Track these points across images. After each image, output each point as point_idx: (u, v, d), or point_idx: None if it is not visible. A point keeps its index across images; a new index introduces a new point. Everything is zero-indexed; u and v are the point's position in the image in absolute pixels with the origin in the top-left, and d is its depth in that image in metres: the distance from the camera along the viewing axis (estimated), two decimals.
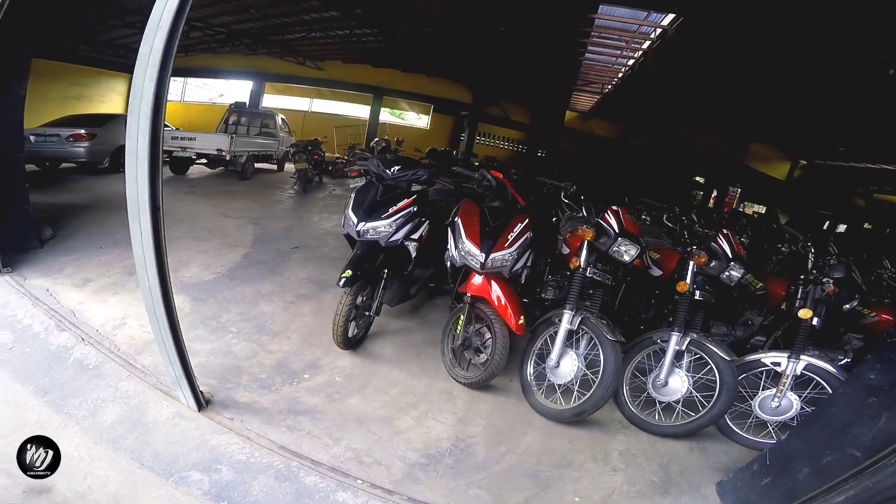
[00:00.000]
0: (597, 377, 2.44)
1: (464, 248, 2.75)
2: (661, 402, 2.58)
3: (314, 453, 2.16)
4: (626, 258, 2.65)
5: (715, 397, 2.39)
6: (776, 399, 2.45)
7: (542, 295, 3.46)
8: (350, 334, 2.88)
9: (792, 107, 9.56)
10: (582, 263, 2.66)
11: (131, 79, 1.80)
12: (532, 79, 13.08)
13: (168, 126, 10.04)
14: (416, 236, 3.03)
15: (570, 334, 2.62)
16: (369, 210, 2.87)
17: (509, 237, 2.75)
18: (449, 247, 2.91)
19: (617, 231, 2.66)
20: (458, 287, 2.99)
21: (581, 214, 3.32)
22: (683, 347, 2.50)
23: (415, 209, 2.97)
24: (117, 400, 2.33)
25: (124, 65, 12.69)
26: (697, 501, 2.18)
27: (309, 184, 9.11)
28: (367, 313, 3.03)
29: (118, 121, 8.19)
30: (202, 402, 2.31)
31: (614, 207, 2.80)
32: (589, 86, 13.49)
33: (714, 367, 2.41)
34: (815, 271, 2.61)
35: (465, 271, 2.90)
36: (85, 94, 12.59)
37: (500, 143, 17.92)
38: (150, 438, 2.12)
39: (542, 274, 3.70)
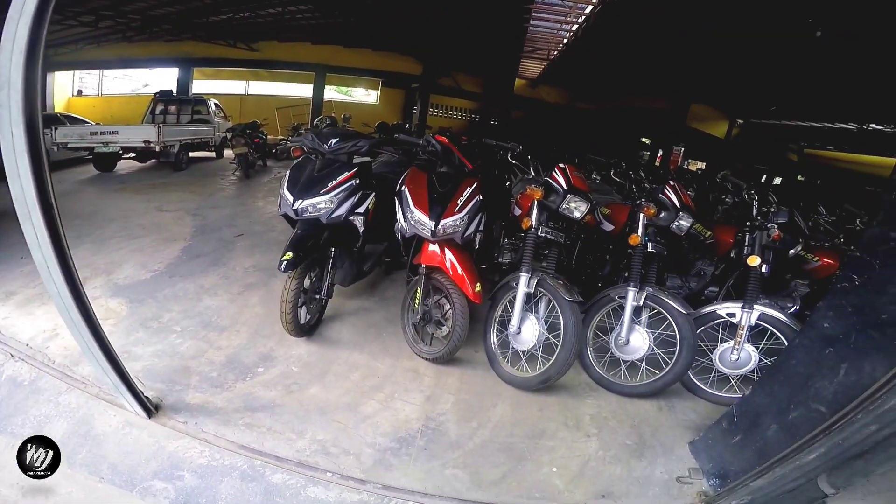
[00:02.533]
0: (559, 341, 2.43)
1: (413, 217, 2.61)
2: (625, 362, 2.61)
3: (278, 450, 2.04)
4: (577, 214, 2.61)
5: (676, 353, 2.43)
6: (735, 351, 2.48)
7: (500, 259, 3.42)
8: (302, 320, 2.72)
9: (728, 68, 9.95)
10: (534, 223, 2.61)
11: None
12: (480, 48, 12.85)
13: (86, 122, 9.36)
14: (361, 210, 2.85)
15: (529, 297, 2.57)
16: (307, 186, 2.66)
17: (458, 202, 2.63)
18: (398, 217, 2.76)
19: (566, 188, 2.60)
20: (412, 259, 2.87)
21: (531, 175, 3.28)
22: (641, 302, 2.52)
23: (357, 182, 2.77)
24: (61, 414, 2.13)
25: None
26: (672, 462, 2.19)
27: (251, 168, 8.67)
28: (317, 296, 2.86)
29: None
30: (150, 409, 2.13)
31: (561, 165, 2.72)
32: (536, 53, 13.44)
33: (672, 321, 2.44)
34: (759, 217, 2.68)
35: (417, 242, 2.77)
36: None
37: (453, 113, 17.73)
38: (104, 451, 1.97)
39: (497, 238, 3.65)
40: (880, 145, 12.76)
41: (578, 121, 16.04)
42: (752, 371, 2.50)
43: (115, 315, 2.98)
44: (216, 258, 4.09)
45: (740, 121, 17.21)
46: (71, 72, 14.56)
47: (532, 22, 10.23)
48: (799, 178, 17.42)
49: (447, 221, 2.56)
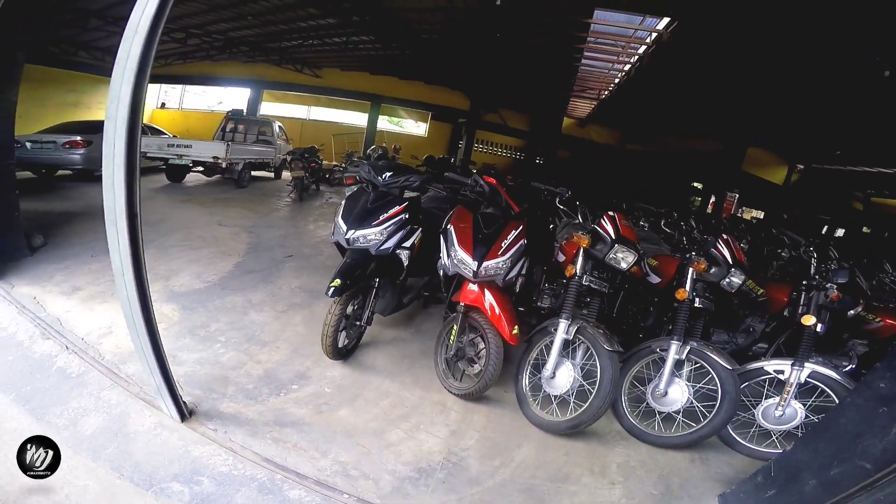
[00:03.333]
0: (594, 388, 2.37)
1: (456, 256, 2.67)
2: (660, 413, 2.50)
3: (300, 466, 2.09)
4: (623, 265, 2.57)
5: (717, 407, 2.32)
6: (780, 408, 2.37)
7: (538, 304, 3.39)
8: (340, 344, 2.82)
9: (788, 110, 9.55)
10: (578, 271, 2.60)
11: None
12: (530, 85, 13.10)
13: (165, 133, 10.06)
14: (407, 244, 2.96)
15: (567, 344, 2.54)
16: (360, 217, 2.80)
17: (503, 244, 2.67)
18: (441, 255, 2.82)
19: (613, 237, 2.57)
20: (451, 296, 2.91)
21: (577, 221, 3.26)
22: (683, 356, 2.43)
23: (406, 216, 2.89)
24: (99, 409, 2.27)
25: None
26: None
27: (305, 192, 9.06)
28: (357, 323, 2.96)
29: None
30: (185, 413, 2.24)
31: (610, 213, 2.72)
32: (586, 92, 13.49)
33: (715, 376, 2.33)
34: (818, 276, 2.55)
35: (458, 280, 2.83)
36: (83, 101, 12.59)
37: (498, 150, 17.86)
38: (131, 448, 2.06)
39: (538, 282, 3.63)
40: None
41: (627, 162, 15.74)
42: (797, 427, 2.37)
43: (168, 320, 3.19)
44: (266, 276, 4.29)
45: (801, 166, 16.21)
46: (158, 85, 16.12)
47: (583, 61, 10.35)
48: (864, 229, 15.99)
49: (490, 263, 2.60)
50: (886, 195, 15.84)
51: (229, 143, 8.74)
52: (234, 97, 16.63)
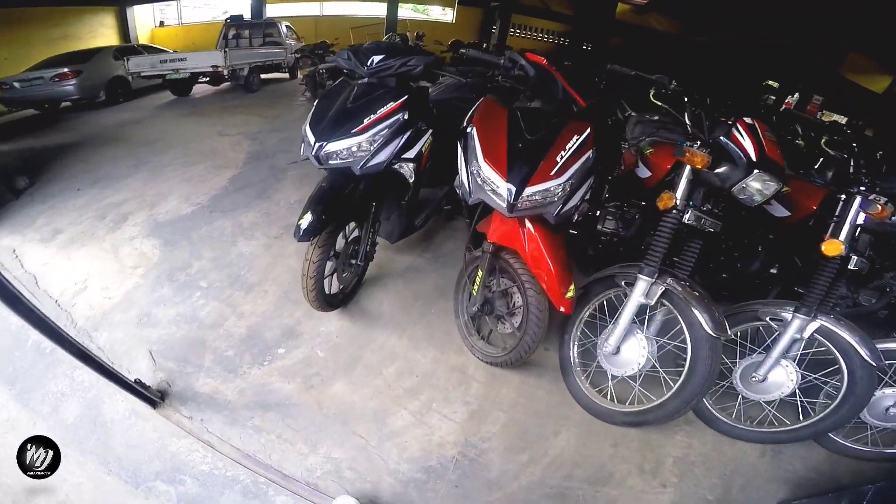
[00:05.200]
0: (671, 376, 1.74)
1: (480, 176, 1.77)
2: (745, 400, 1.89)
3: (286, 464, 1.72)
4: (758, 198, 1.65)
5: (835, 406, 1.68)
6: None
7: (600, 226, 2.43)
8: (332, 291, 2.26)
9: None
10: (679, 203, 1.71)
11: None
12: None
13: (165, 51, 9.59)
14: (411, 154, 2.15)
15: (644, 309, 1.83)
16: (335, 123, 1.94)
17: (557, 159, 1.72)
18: (459, 171, 1.94)
19: (755, 158, 1.60)
20: (475, 224, 2.10)
21: (660, 119, 2.27)
22: (805, 335, 1.69)
23: (405, 116, 2.02)
24: (74, 393, 1.99)
25: None
26: None
27: (322, 88, 8.25)
28: (353, 262, 2.32)
29: (105, 53, 8.13)
30: (155, 400, 1.90)
31: (748, 120, 1.68)
32: None
33: (844, 366, 1.63)
34: (859, 180, 1.61)
35: (484, 205, 1.89)
36: (71, 34, 11.65)
37: (538, 34, 15.51)
38: (111, 441, 1.81)
39: (596, 193, 2.46)
40: None
41: (692, 53, 13.14)
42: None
43: (146, 262, 2.79)
44: (262, 189, 3.79)
45: None
46: (150, 5, 14.76)
47: None
48: None
49: (536, 190, 1.68)
50: None
51: (226, 50, 8.17)
52: (238, 4, 14.93)
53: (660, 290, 1.73)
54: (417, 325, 2.42)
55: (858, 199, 1.57)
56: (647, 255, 1.75)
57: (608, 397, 1.96)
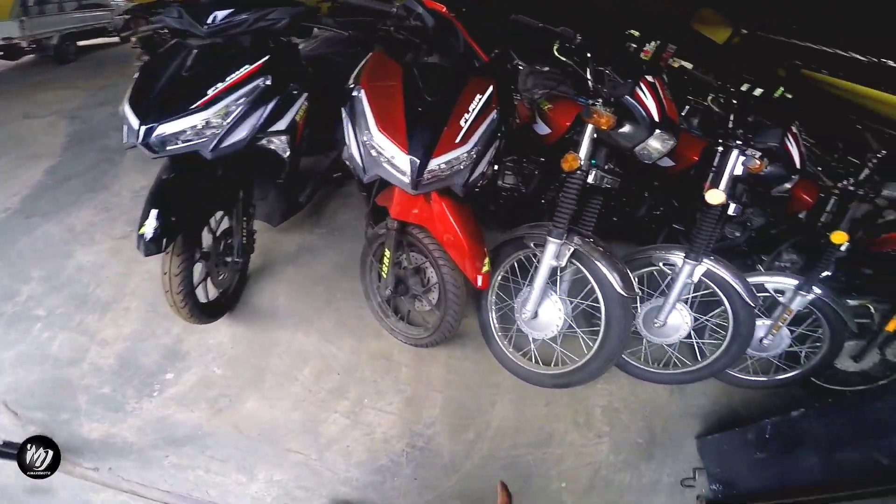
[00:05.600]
0: (587, 335, 1.86)
1: (374, 148, 1.54)
2: (650, 343, 2.13)
3: (229, 498, 1.54)
4: (655, 156, 1.69)
5: (724, 347, 1.95)
6: (770, 336, 2.09)
7: (499, 182, 2.41)
8: (210, 298, 1.95)
9: None
10: (583, 163, 1.68)
11: None
12: None
13: None
14: (282, 125, 1.79)
15: (554, 271, 1.86)
16: (168, 98, 1.51)
17: (462, 123, 1.56)
18: (347, 142, 1.68)
19: (657, 118, 1.61)
20: (374, 198, 1.92)
21: (550, 70, 2.16)
22: (695, 279, 1.87)
23: (267, 81, 1.65)
24: None
25: None
26: (679, 462, 1.90)
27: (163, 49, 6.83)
28: (228, 259, 1.98)
29: None
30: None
31: (650, 79, 1.67)
32: None
33: (729, 308, 1.88)
34: (735, 133, 1.77)
35: (381, 180, 1.68)
36: None
37: None
38: None
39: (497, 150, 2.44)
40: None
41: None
42: (778, 356, 2.16)
43: None
44: (94, 179, 3.06)
45: (745, 31, 15.33)
46: None
47: None
48: (780, 90, 16.16)
49: (442, 161, 1.51)
50: (814, 68, 15.85)
51: (23, 19, 6.54)
52: None
53: (569, 251, 1.76)
54: (324, 314, 2.22)
55: (736, 153, 1.72)
56: (555, 216, 1.76)
57: (533, 360, 2.05)
